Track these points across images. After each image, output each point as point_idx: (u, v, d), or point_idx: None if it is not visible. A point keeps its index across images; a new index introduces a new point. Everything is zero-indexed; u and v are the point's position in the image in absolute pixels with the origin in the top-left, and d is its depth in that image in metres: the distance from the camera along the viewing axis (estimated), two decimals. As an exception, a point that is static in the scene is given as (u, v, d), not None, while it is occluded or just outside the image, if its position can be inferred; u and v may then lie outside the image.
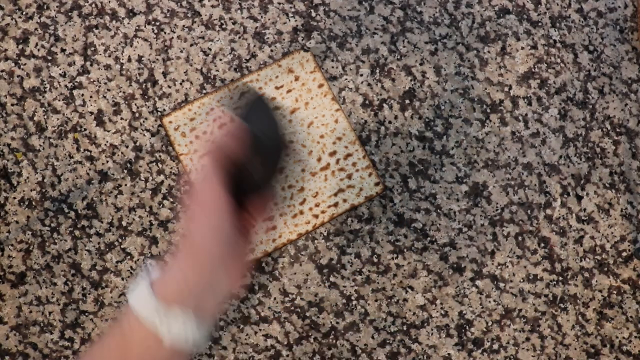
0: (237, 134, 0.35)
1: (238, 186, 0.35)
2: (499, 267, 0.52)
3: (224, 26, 0.53)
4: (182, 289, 0.34)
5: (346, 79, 0.53)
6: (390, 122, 0.53)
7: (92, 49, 0.53)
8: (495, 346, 0.52)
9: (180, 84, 0.53)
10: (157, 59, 0.53)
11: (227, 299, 0.50)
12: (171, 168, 0.52)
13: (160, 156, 0.52)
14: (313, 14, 0.54)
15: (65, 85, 0.52)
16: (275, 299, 0.51)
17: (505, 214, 0.53)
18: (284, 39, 0.53)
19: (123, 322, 0.34)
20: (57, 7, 0.53)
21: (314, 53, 0.53)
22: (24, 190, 0.52)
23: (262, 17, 0.54)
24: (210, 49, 0.53)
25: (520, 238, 0.53)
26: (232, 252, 0.36)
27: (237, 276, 0.38)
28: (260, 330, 0.51)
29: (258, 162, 0.36)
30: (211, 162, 0.34)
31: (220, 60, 0.53)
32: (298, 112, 0.52)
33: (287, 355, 0.51)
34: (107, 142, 0.52)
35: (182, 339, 0.34)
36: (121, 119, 0.52)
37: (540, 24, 0.55)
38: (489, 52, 0.54)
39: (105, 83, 0.53)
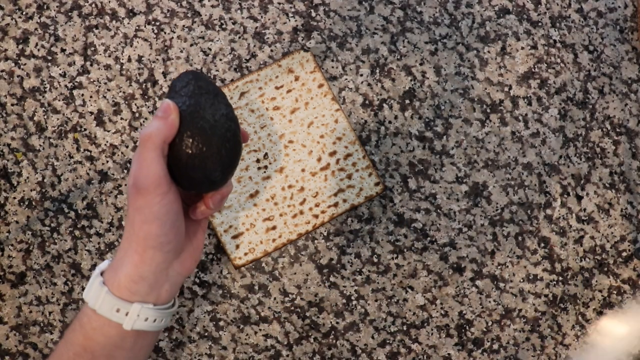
0: (164, 114, 0.33)
1: (177, 167, 0.33)
2: (499, 267, 0.52)
3: (224, 26, 0.53)
4: (139, 286, 0.34)
5: (346, 79, 0.53)
6: (390, 122, 0.53)
7: (92, 49, 0.53)
8: (495, 346, 0.52)
9: (180, 84, 0.53)
10: (157, 59, 0.53)
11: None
12: (171, 168, 0.52)
13: (160, 156, 0.52)
14: (313, 14, 0.54)
15: (65, 85, 0.53)
16: (275, 299, 0.51)
17: (505, 214, 0.53)
18: (284, 39, 0.53)
19: (82, 319, 0.35)
20: (57, 7, 0.53)
21: (314, 53, 0.53)
22: (24, 190, 0.52)
23: (262, 17, 0.54)
24: (210, 49, 0.53)
25: (520, 238, 0.53)
26: (183, 237, 0.36)
27: (192, 260, 0.38)
28: (260, 330, 0.51)
29: (190, 138, 0.33)
30: (145, 149, 0.33)
31: (220, 60, 0.53)
32: (298, 112, 0.52)
33: (287, 355, 0.51)
34: (107, 142, 0.52)
35: (144, 325, 0.34)
36: (121, 119, 0.52)
37: (540, 24, 0.55)
38: (489, 52, 0.54)
39: (105, 83, 0.53)
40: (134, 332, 0.34)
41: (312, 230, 0.51)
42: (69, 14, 0.53)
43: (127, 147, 0.52)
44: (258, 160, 0.51)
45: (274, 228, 0.51)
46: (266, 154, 0.52)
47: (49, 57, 0.53)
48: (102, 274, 0.35)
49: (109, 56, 0.53)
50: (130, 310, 0.34)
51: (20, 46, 0.53)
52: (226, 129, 0.34)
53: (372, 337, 0.51)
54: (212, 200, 0.37)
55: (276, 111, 0.52)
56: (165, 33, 0.53)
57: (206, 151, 0.33)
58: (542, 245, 0.53)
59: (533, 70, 0.55)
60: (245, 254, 0.51)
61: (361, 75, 0.53)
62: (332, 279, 0.51)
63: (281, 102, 0.52)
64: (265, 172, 0.51)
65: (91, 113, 0.52)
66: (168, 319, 0.37)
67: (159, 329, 0.36)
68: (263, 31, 0.54)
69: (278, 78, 0.52)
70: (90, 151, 0.52)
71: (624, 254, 0.54)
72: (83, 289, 0.51)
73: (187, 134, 0.33)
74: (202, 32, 0.53)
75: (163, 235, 0.34)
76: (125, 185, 0.52)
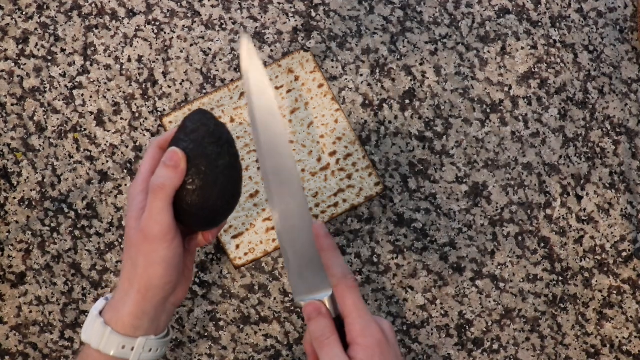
0: (175, 164, 0.34)
1: (181, 208, 0.35)
2: (499, 267, 0.52)
3: (224, 26, 0.53)
4: (142, 321, 0.35)
5: (346, 79, 0.53)
6: (390, 122, 0.53)
7: (92, 49, 0.53)
8: (495, 346, 0.52)
9: (180, 84, 0.53)
10: (157, 59, 0.53)
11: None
12: (171, 168, 0.52)
13: (160, 156, 0.52)
14: (313, 14, 0.54)
15: (65, 85, 0.53)
16: (275, 299, 0.51)
17: (505, 214, 0.53)
18: (284, 39, 0.53)
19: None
20: (57, 7, 0.53)
21: (314, 53, 0.53)
22: (24, 190, 0.52)
23: (262, 17, 0.54)
24: (210, 49, 0.53)
25: (520, 238, 0.53)
26: (181, 273, 0.37)
27: (184, 290, 0.39)
28: (260, 330, 0.51)
29: (193, 185, 0.35)
30: (156, 199, 0.34)
31: (220, 60, 0.53)
32: (298, 112, 0.52)
33: (287, 355, 0.51)
34: (107, 142, 0.52)
35: (149, 357, 0.36)
36: (121, 119, 0.52)
37: (540, 24, 0.55)
38: (489, 52, 0.54)
39: (105, 83, 0.53)
40: None
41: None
42: (69, 14, 0.53)
43: (127, 147, 0.52)
44: (258, 161, 0.51)
45: (274, 228, 0.51)
46: (266, 154, 0.52)
47: (49, 57, 0.53)
48: (100, 314, 0.36)
49: (109, 56, 0.53)
50: (136, 345, 0.35)
51: (21, 46, 0.53)
52: (228, 180, 0.36)
53: (372, 337, 0.51)
54: (211, 234, 0.39)
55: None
56: (165, 33, 0.53)
57: (208, 197, 0.35)
58: (542, 245, 0.53)
59: (533, 70, 0.55)
60: (245, 254, 0.51)
61: (361, 75, 0.53)
62: (332, 279, 0.51)
63: (281, 102, 0.52)
64: (265, 172, 0.51)
65: (91, 113, 0.52)
66: (167, 346, 0.39)
67: (160, 358, 0.38)
68: (263, 31, 0.54)
69: (278, 78, 0.52)
70: (90, 151, 0.52)
71: (624, 254, 0.54)
72: (83, 288, 0.51)
73: (191, 180, 0.35)
74: (202, 32, 0.53)
75: (167, 277, 0.35)
76: (126, 185, 0.52)
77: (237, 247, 0.51)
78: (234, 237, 0.51)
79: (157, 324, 0.37)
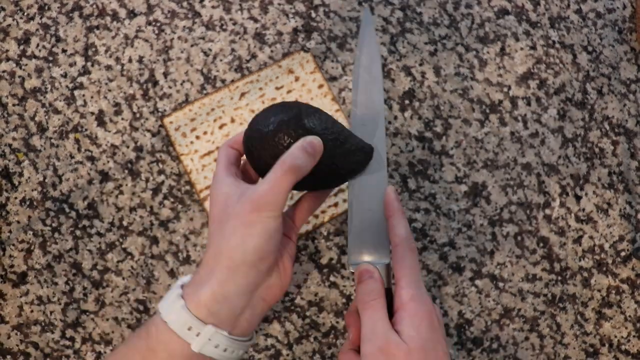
0: (314, 151, 0.34)
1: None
2: (498, 267, 0.53)
3: (224, 27, 0.54)
4: (220, 306, 0.31)
5: (346, 80, 0.53)
6: (389, 123, 0.53)
7: (93, 49, 0.53)
8: (495, 345, 0.52)
9: (181, 84, 0.53)
10: (158, 60, 0.53)
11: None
12: (172, 168, 0.52)
13: (160, 156, 0.52)
14: (313, 15, 0.54)
15: (67, 86, 0.53)
16: (275, 298, 0.51)
17: (504, 214, 0.53)
18: (284, 40, 0.54)
19: (150, 328, 0.32)
20: (58, 8, 0.54)
21: (314, 54, 0.53)
22: (25, 191, 0.52)
23: (262, 17, 0.54)
24: (210, 50, 0.53)
25: (519, 238, 0.53)
26: (277, 257, 0.34)
27: (280, 287, 0.35)
28: (260, 329, 0.51)
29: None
30: (285, 176, 0.32)
31: (221, 60, 0.53)
32: (298, 113, 0.52)
33: (287, 355, 0.51)
34: (108, 142, 0.52)
35: (213, 352, 0.31)
36: (122, 119, 0.53)
37: (539, 24, 0.55)
38: (488, 52, 0.55)
39: (106, 83, 0.53)
40: (199, 357, 0.32)
41: (313, 231, 0.51)
42: (70, 14, 0.53)
43: (127, 147, 0.52)
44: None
45: None
46: (266, 154, 0.52)
47: (50, 58, 0.53)
48: (182, 287, 0.33)
49: (110, 57, 0.53)
50: (203, 332, 0.31)
51: (22, 47, 0.53)
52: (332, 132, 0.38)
53: (372, 337, 0.52)
54: (308, 209, 0.39)
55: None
56: (165, 34, 0.53)
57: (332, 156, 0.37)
58: (541, 245, 0.53)
59: (532, 70, 0.55)
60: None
61: (361, 75, 0.53)
62: (332, 278, 0.52)
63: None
64: (265, 172, 0.52)
65: (92, 113, 0.53)
66: (241, 351, 0.33)
67: None
68: (263, 32, 0.54)
69: (278, 79, 0.52)
70: (91, 151, 0.52)
71: (623, 253, 0.54)
72: (84, 288, 0.51)
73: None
74: (202, 32, 0.54)
75: (264, 250, 0.32)
76: (126, 185, 0.52)
77: None
78: None
79: (237, 318, 0.32)
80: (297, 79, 0.52)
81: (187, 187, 0.52)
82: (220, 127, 0.52)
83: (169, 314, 0.31)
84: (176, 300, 0.32)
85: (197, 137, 0.52)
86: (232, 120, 0.52)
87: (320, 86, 0.52)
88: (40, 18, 0.53)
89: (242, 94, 0.52)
